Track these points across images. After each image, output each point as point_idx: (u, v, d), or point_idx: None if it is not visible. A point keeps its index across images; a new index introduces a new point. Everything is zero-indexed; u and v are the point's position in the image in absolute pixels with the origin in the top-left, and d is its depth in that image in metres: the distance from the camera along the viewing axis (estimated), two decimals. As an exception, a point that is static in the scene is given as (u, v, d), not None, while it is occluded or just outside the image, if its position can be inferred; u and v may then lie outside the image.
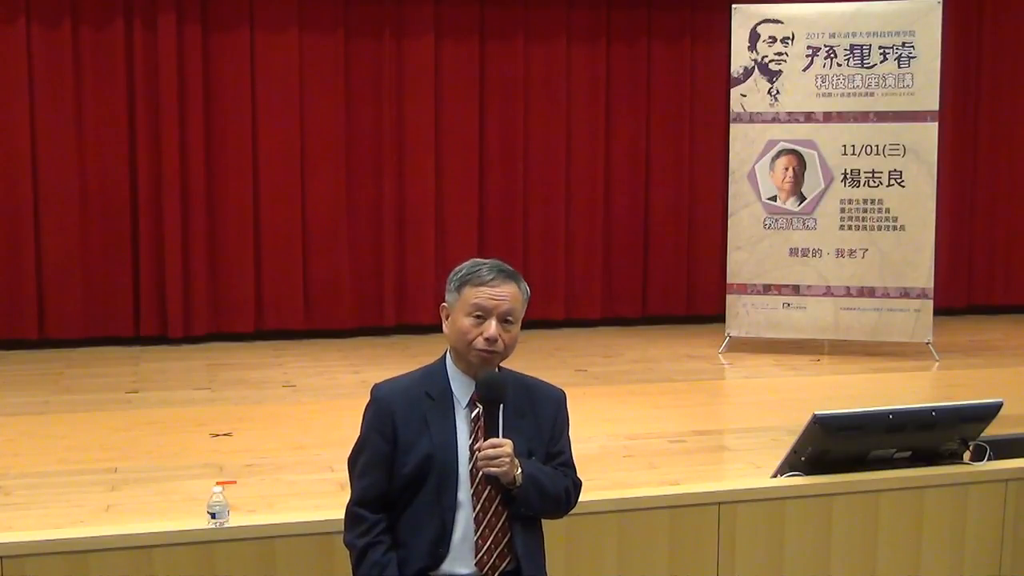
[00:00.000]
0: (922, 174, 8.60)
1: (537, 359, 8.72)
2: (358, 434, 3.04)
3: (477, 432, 2.93)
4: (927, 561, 4.34)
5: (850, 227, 8.73)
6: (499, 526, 2.91)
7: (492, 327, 2.90)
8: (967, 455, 4.48)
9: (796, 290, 8.76)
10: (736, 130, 8.88)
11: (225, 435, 6.33)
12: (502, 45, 9.73)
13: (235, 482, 5.33)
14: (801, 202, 8.79)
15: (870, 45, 8.64)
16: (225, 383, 7.81)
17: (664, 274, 10.22)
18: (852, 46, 8.66)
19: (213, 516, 3.48)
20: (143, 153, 8.96)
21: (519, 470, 2.89)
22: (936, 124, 8.59)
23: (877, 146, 8.65)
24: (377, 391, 3.01)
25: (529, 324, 11.07)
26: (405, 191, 9.59)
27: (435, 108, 9.58)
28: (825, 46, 8.71)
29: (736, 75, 8.85)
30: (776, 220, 8.82)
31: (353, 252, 9.49)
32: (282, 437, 6.36)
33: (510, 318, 2.95)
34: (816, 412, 4.00)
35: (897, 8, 8.69)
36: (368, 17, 9.40)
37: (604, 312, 10.07)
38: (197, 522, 3.53)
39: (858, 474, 4.22)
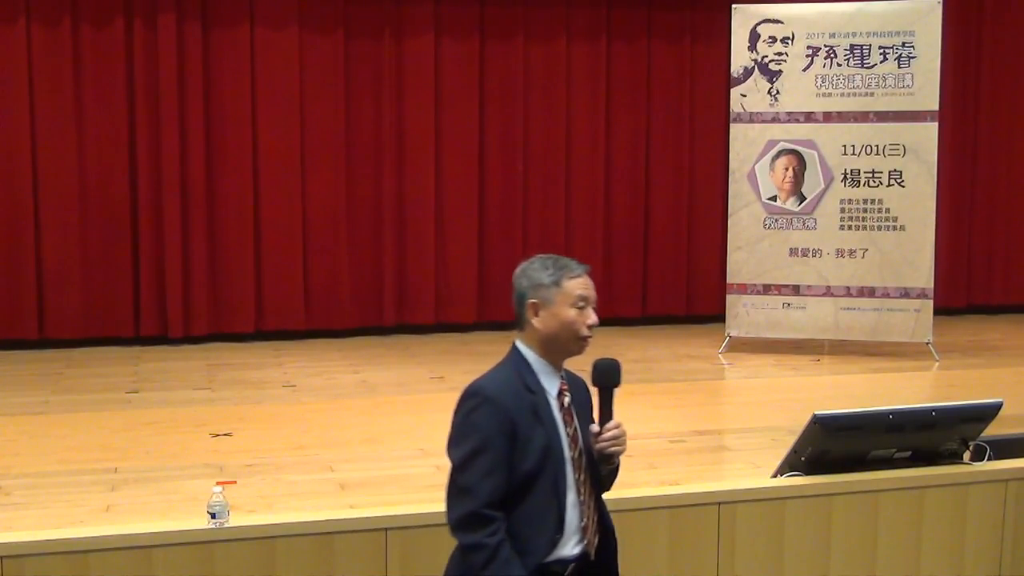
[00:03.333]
0: (922, 174, 8.60)
1: (537, 359, 8.72)
2: (461, 433, 3.00)
3: (567, 419, 3.06)
4: (927, 561, 4.34)
5: (850, 227, 8.73)
6: (593, 505, 3.07)
7: (593, 315, 3.09)
8: (967, 455, 4.48)
9: (796, 290, 8.76)
10: (736, 130, 8.88)
11: (225, 435, 6.33)
12: (502, 44, 9.73)
13: (235, 482, 5.32)
14: (801, 202, 8.78)
15: (870, 45, 8.63)
16: (225, 383, 7.81)
17: (664, 274, 10.22)
18: (852, 46, 8.66)
19: (213, 516, 3.48)
20: (143, 152, 8.96)
21: None
22: (936, 124, 8.59)
23: (877, 146, 8.64)
24: (486, 391, 3.02)
25: (529, 324, 10.75)
26: (405, 190, 9.59)
27: (435, 107, 9.58)
28: (825, 46, 8.71)
29: (736, 75, 8.85)
30: (776, 220, 8.82)
31: (353, 252, 9.49)
32: (282, 437, 6.35)
33: (595, 305, 3.14)
34: (816, 412, 4.00)
35: (897, 8, 8.68)
36: (368, 16, 9.40)
37: (604, 312, 9.87)
38: (197, 522, 3.53)
39: (858, 474, 4.22)
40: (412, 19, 9.49)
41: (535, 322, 3.10)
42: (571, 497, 3.01)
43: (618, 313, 10.09)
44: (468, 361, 8.58)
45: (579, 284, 3.06)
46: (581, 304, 3.06)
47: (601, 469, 3.10)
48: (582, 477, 3.04)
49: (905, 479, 4.28)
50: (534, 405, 3.02)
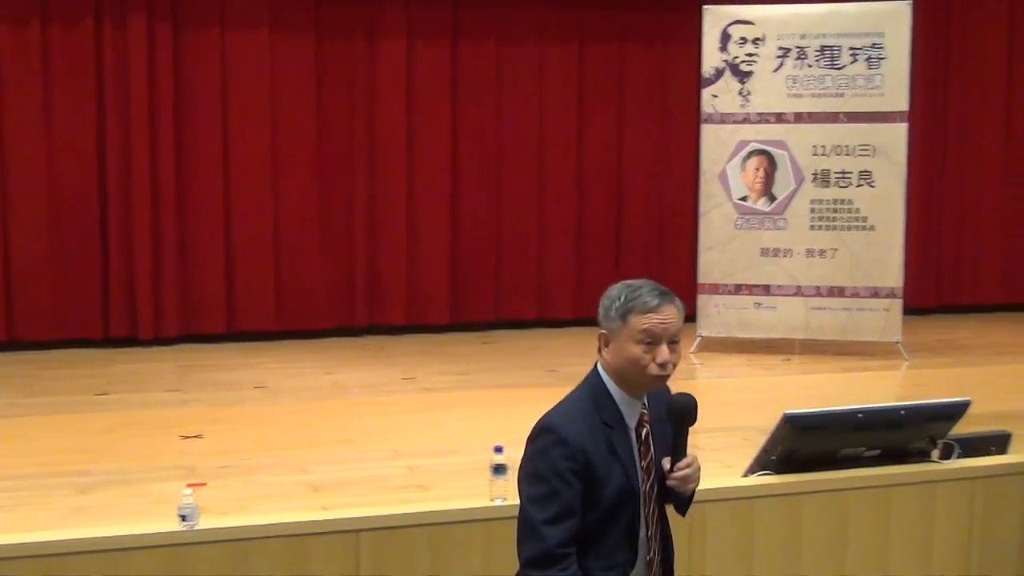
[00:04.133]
0: (892, 174, 8.67)
1: (509, 359, 8.74)
2: (535, 469, 2.89)
3: (643, 452, 2.96)
4: (896, 559, 4.37)
5: (820, 227, 8.78)
6: (659, 538, 3.00)
7: (665, 352, 2.88)
8: (935, 453, 4.52)
9: (767, 290, 8.81)
10: (707, 131, 8.92)
11: (196, 437, 6.31)
12: (475, 46, 9.73)
13: (206, 484, 5.29)
14: (772, 202, 8.83)
15: (840, 46, 8.69)
16: (196, 385, 7.77)
17: (636, 274, 9.99)
18: (822, 47, 8.72)
19: (184, 519, 3.47)
20: (113, 153, 8.90)
21: None
22: (905, 125, 8.66)
23: (847, 146, 8.70)
24: (562, 430, 2.87)
25: (501, 324, 10.99)
26: (377, 191, 9.58)
27: (407, 109, 9.57)
28: (796, 47, 8.76)
29: (707, 76, 8.89)
30: (747, 220, 8.86)
31: (325, 253, 9.47)
32: (254, 439, 6.34)
33: (676, 339, 2.92)
34: (786, 411, 4.02)
35: (867, 9, 8.74)
36: (340, 18, 9.38)
37: (576, 312, 10.07)
38: (167, 525, 3.52)
39: (828, 473, 4.24)
40: (384, 21, 9.48)
41: (604, 353, 2.96)
42: (642, 532, 2.96)
43: (590, 313, 10.00)
44: (441, 362, 8.58)
45: (648, 319, 2.87)
46: (649, 340, 2.86)
47: (671, 499, 3.04)
48: (652, 510, 2.97)
49: (874, 477, 4.31)
50: (611, 441, 2.90)
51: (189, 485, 3.70)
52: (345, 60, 9.43)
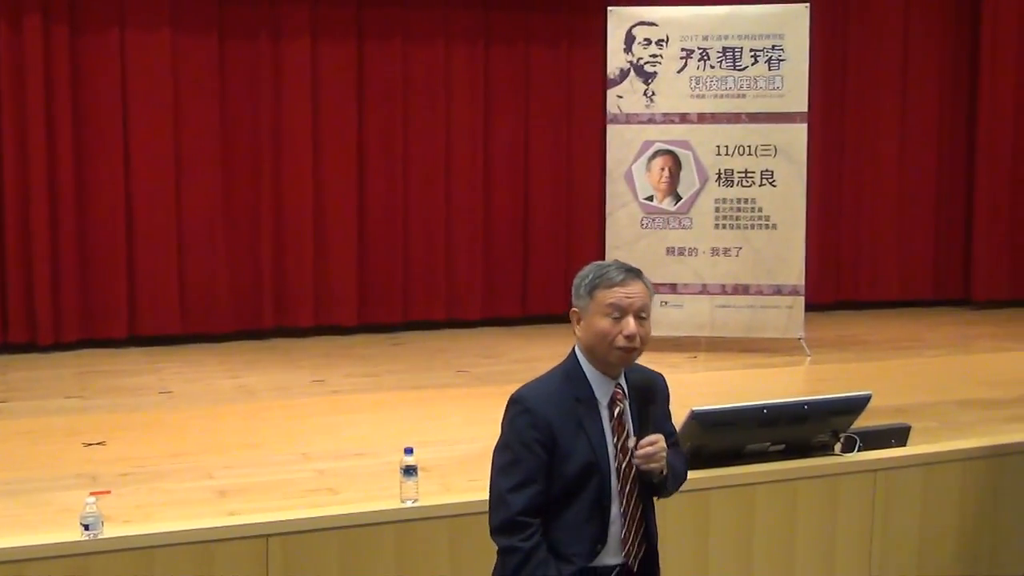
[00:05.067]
0: (792, 174, 8.82)
1: (419, 360, 8.72)
2: (504, 440, 3.02)
3: (617, 430, 3.02)
4: (801, 550, 4.46)
5: (724, 226, 8.90)
6: (638, 517, 3.04)
7: (631, 324, 2.98)
8: (838, 447, 4.62)
9: (673, 289, 8.91)
10: (613, 131, 8.99)
11: (98, 444, 6.18)
12: (380, 46, 9.69)
13: (110, 492, 5.20)
14: (677, 202, 8.94)
15: (742, 48, 8.83)
16: (98, 391, 7.62)
17: (544, 274, 10.29)
18: (724, 48, 8.84)
19: (87, 528, 3.40)
20: (9, 155, 8.68)
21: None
22: (805, 125, 8.82)
23: (749, 147, 8.84)
24: (528, 401, 2.99)
25: (410, 326, 10.93)
26: (283, 193, 9.48)
27: (313, 110, 9.49)
28: (699, 48, 8.88)
29: (612, 77, 8.96)
30: (653, 220, 8.96)
31: (230, 255, 9.35)
32: (158, 445, 6.23)
33: (643, 314, 3.02)
34: (693, 408, 4.08)
35: (767, 12, 8.90)
36: (243, 18, 9.27)
37: (485, 312, 10.09)
38: (70, 535, 3.45)
39: (734, 468, 4.31)
40: (288, 21, 9.39)
41: (577, 331, 3.07)
42: (615, 509, 3.00)
43: (499, 313, 10.14)
44: (349, 364, 8.53)
45: (613, 293, 2.99)
46: (616, 315, 2.98)
47: (653, 480, 3.05)
48: (628, 488, 3.01)
49: (779, 471, 4.39)
50: (579, 415, 2.99)
51: (92, 493, 3.64)
52: (249, 60, 9.32)
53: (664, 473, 3.03)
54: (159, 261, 9.14)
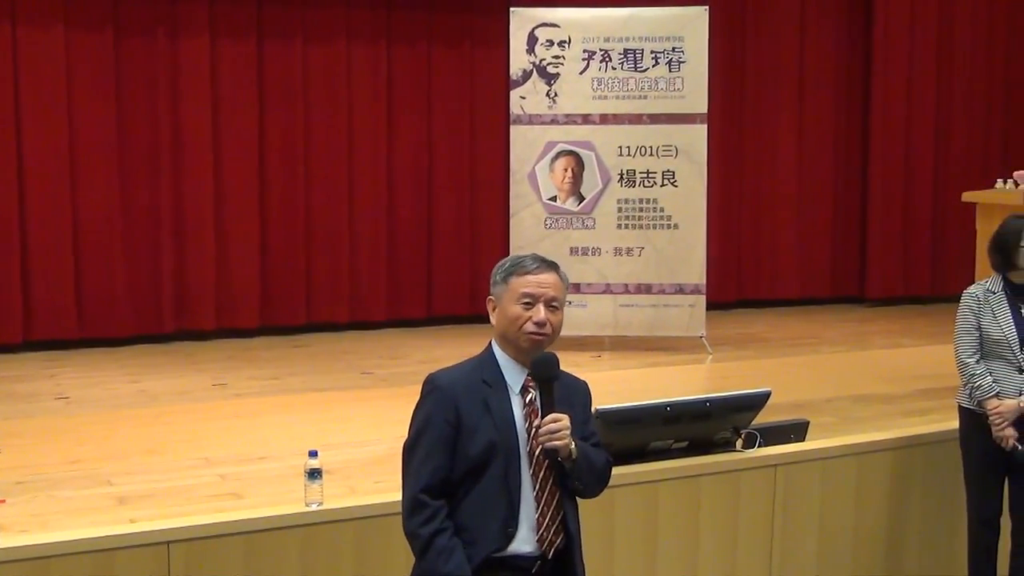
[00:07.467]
0: (693, 174, 8.95)
1: (323, 362, 8.65)
2: (413, 419, 3.13)
3: (531, 416, 3.10)
4: (705, 544, 4.53)
5: (627, 226, 8.99)
6: (554, 504, 3.10)
7: (541, 311, 3.08)
8: (739, 443, 4.70)
9: (577, 288, 8.96)
10: (516, 132, 9.03)
11: (-8, 452, 6.03)
12: (280, 45, 9.58)
13: (5, 501, 5.09)
14: (580, 202, 9.00)
15: (642, 49, 8.92)
16: (-9, 397, 7.43)
17: (448, 275, 10.28)
18: (626, 50, 8.93)
19: (-19, 538, 3.31)
20: None
21: (574, 443, 3.07)
22: (705, 126, 8.95)
23: (651, 147, 8.94)
24: (436, 380, 3.13)
25: (313, 327, 10.83)
26: (182, 193, 9.32)
27: (212, 109, 9.35)
28: (600, 50, 8.95)
29: (515, 78, 9.00)
30: (556, 220, 9.01)
31: (129, 257, 9.17)
32: (55, 452, 6.09)
33: (555, 303, 3.13)
34: (598, 407, 4.10)
35: (667, 14, 9.01)
36: (139, 15, 9.09)
37: (389, 314, 10.05)
38: (-37, 545, 3.36)
39: (638, 465, 4.36)
40: (186, 18, 9.23)
41: (492, 319, 3.18)
42: (526, 492, 3.05)
43: (403, 314, 10.10)
44: (251, 367, 8.43)
45: (526, 281, 3.10)
46: (526, 301, 3.09)
47: (564, 466, 3.07)
48: (542, 474, 3.07)
49: (682, 468, 4.45)
50: (486, 397, 3.07)
51: (-14, 503, 3.54)
52: (146, 58, 9.14)
53: (573, 457, 3.07)
54: (54, 264, 8.92)
